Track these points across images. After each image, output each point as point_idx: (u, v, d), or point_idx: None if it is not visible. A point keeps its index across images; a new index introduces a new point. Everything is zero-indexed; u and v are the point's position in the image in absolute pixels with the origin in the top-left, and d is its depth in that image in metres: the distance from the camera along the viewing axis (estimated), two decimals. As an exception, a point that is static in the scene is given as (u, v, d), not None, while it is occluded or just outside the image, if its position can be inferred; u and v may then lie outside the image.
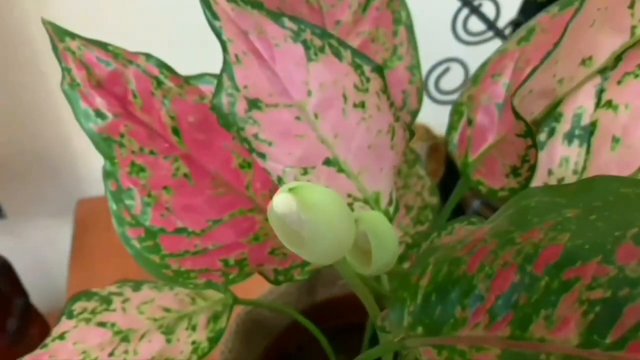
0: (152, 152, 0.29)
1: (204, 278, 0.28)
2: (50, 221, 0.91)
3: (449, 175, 0.70)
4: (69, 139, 0.84)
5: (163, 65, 0.29)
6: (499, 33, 0.57)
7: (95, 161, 0.87)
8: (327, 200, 0.20)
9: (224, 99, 0.26)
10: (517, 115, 0.24)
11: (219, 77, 0.26)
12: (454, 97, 0.67)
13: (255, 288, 0.43)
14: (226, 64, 0.26)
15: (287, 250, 0.31)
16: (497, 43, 0.61)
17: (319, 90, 0.27)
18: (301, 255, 0.22)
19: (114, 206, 0.28)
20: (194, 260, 0.28)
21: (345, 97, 0.27)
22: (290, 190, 0.19)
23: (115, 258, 0.73)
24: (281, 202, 0.19)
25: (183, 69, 0.30)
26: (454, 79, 0.69)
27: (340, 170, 0.28)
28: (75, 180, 0.88)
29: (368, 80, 0.27)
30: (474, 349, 0.20)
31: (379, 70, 0.27)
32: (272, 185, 0.31)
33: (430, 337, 0.22)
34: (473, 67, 0.64)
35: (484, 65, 0.33)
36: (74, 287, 0.68)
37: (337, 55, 0.27)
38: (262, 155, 0.26)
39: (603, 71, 0.27)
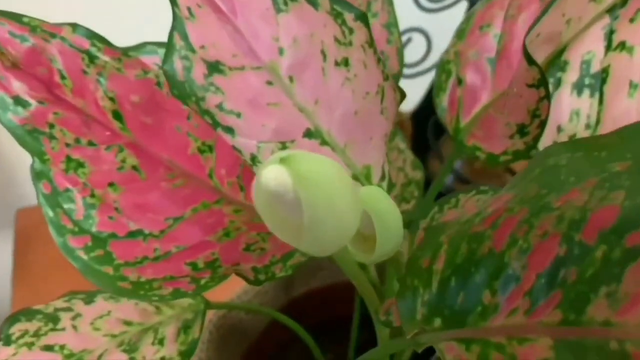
0: (90, 143, 0.24)
1: (170, 287, 0.23)
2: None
3: (417, 153, 0.66)
4: (6, 142, 0.76)
5: (94, 36, 0.24)
6: (464, -7, 0.53)
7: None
8: (329, 172, 0.15)
9: (177, 64, 0.21)
10: (531, 61, 0.20)
11: (169, 37, 0.21)
12: (418, 69, 0.63)
13: (227, 289, 0.38)
14: (177, 20, 0.21)
15: (265, 244, 0.27)
16: (462, 7, 0.57)
17: (292, 47, 0.22)
18: (296, 246, 0.17)
19: (50, 212, 0.23)
20: (155, 268, 0.24)
21: (324, 54, 0.23)
22: (283, 160, 0.14)
23: (64, 271, 0.67)
24: (272, 176, 0.14)
25: (119, 40, 0.24)
26: (416, 50, 0.65)
27: (324, 142, 0.23)
28: (13, 188, 0.81)
29: (351, 31, 0.23)
30: (515, 340, 0.16)
31: (363, 18, 0.23)
32: (241, 170, 0.26)
33: (452, 329, 0.18)
34: (436, 37, 0.61)
35: (469, 18, 0.29)
36: (19, 306, 0.62)
37: (312, 2, 0.22)
38: (230, 130, 0.22)
39: (612, 10, 0.23)
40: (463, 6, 0.57)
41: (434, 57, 0.62)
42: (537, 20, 0.21)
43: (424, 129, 0.59)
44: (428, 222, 0.25)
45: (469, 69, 0.28)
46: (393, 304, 0.23)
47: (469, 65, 0.28)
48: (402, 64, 0.30)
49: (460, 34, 0.29)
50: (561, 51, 0.25)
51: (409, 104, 0.64)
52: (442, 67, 0.29)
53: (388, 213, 0.20)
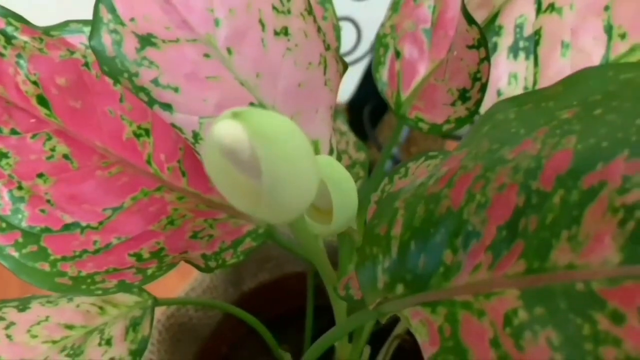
0: (13, 132, 0.22)
1: (115, 279, 0.21)
2: None
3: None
4: None
5: (10, 14, 0.22)
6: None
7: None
8: (287, 129, 0.14)
9: (106, 38, 0.20)
10: (471, 20, 0.20)
11: (94, 10, 0.19)
12: (349, 59, 0.63)
13: (172, 287, 0.37)
14: (101, -7, 0.19)
15: (213, 231, 0.26)
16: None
17: (229, 18, 0.21)
18: (252, 212, 0.16)
19: (-30, 209, 0.21)
20: (96, 261, 0.22)
21: (262, 24, 0.22)
22: (236, 115, 0.13)
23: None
24: (225, 131, 0.13)
25: (38, 20, 0.23)
26: (346, 40, 0.65)
27: None
28: None
29: (287, -1, 0.22)
30: (482, 296, 0.16)
31: (299, -15, 0.22)
32: (182, 154, 0.25)
33: (415, 294, 0.17)
34: (366, 26, 0.61)
35: (402, -11, 0.29)
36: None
37: (244, -29, 0.21)
38: (168, 107, 0.20)
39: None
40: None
41: (365, 46, 0.63)
42: None
43: (360, 118, 0.59)
44: (379, 194, 0.25)
45: (406, 41, 0.28)
46: (352, 278, 0.23)
47: (405, 38, 0.28)
48: (339, 40, 0.29)
49: (395, 6, 0.29)
50: (495, 16, 0.25)
51: (343, 94, 0.64)
52: (380, 41, 0.28)
53: (344, 181, 0.19)
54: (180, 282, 0.38)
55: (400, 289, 0.18)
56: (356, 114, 0.60)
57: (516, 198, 0.15)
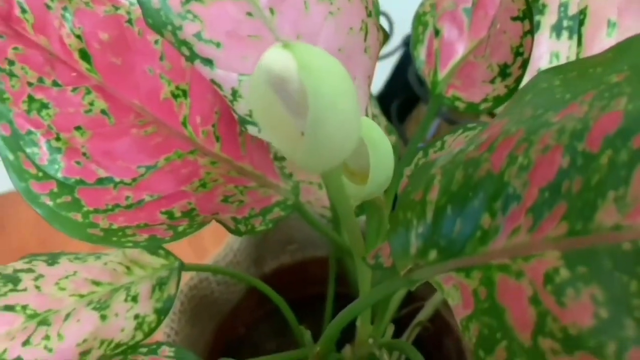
0: (55, 84, 0.22)
1: (145, 234, 0.21)
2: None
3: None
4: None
5: (58, -33, 0.22)
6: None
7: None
8: (336, 67, 0.14)
9: (151, -8, 0.20)
10: None
11: (140, -36, 0.20)
12: (381, 53, 0.62)
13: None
14: (148, -54, 0.20)
15: (243, 197, 0.26)
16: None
17: (272, -22, 0.21)
18: (291, 155, 0.16)
19: (10, 156, 0.22)
20: (127, 215, 0.22)
21: (305, -13, 0.22)
22: (287, 47, 0.13)
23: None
24: (275, 59, 0.13)
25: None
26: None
27: None
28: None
29: (334, -38, 0.22)
30: (520, 259, 0.15)
31: (344, -52, 0.22)
32: (217, 119, 0.25)
33: (449, 259, 0.17)
34: (399, 21, 0.61)
35: (443, -30, 0.29)
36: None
37: None
38: (209, 62, 0.21)
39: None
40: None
41: (396, 41, 0.62)
42: None
43: (388, 113, 0.58)
44: (412, 168, 0.24)
45: (445, 20, 0.28)
46: (381, 248, 0.22)
47: (445, 16, 0.28)
48: (377, 7, 0.29)
49: (437, -16, 0.29)
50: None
51: (373, 88, 0.64)
52: (419, 19, 0.28)
53: (382, 142, 0.19)
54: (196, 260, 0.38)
55: (433, 254, 0.18)
56: (384, 108, 0.60)
57: (560, 159, 0.15)
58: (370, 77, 0.24)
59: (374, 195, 0.20)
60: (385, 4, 0.64)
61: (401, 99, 0.60)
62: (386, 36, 0.24)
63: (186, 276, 0.35)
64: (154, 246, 0.22)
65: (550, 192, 0.15)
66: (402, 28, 0.62)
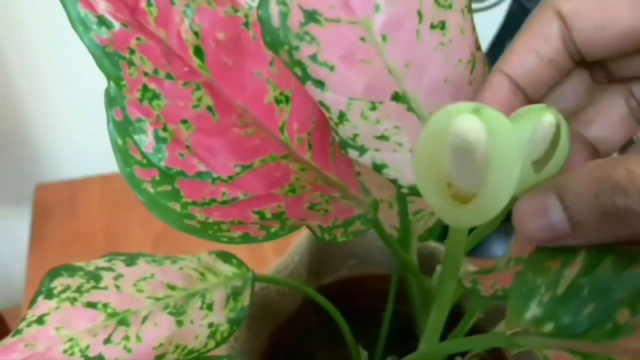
0: (168, 76, 0.23)
1: (239, 231, 0.22)
2: (5, 209, 0.81)
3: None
4: (24, 116, 0.75)
5: (187, -34, 0.23)
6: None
7: (54, 141, 0.79)
8: (513, 134, 0.14)
9: (273, 9, 0.20)
10: None
11: (267, -21, 0.20)
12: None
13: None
14: (278, -38, 0.20)
15: (328, 206, 0.26)
16: (503, 8, 0.56)
17: (389, 4, 0.22)
18: (446, 214, 0.16)
19: (118, 140, 0.22)
20: (222, 211, 0.22)
21: (420, 15, 0.22)
22: (477, 111, 0.13)
23: (79, 248, 0.65)
24: (467, 126, 0.13)
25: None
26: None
27: (410, 109, 0.23)
28: (34, 163, 0.79)
29: (453, -9, 0.22)
30: None
31: (467, -22, 0.22)
32: (312, 127, 0.25)
33: (565, 339, 0.17)
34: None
35: None
36: (34, 282, 0.60)
37: (417, -45, 0.22)
38: (320, 84, 0.21)
39: None
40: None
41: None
42: None
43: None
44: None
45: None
46: (483, 277, 0.22)
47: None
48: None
49: None
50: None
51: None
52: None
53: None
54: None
55: (549, 327, 0.17)
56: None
57: None
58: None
59: (482, 220, 0.20)
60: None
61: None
62: (490, 67, 0.24)
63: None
64: (246, 243, 0.22)
65: None
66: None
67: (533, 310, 0.17)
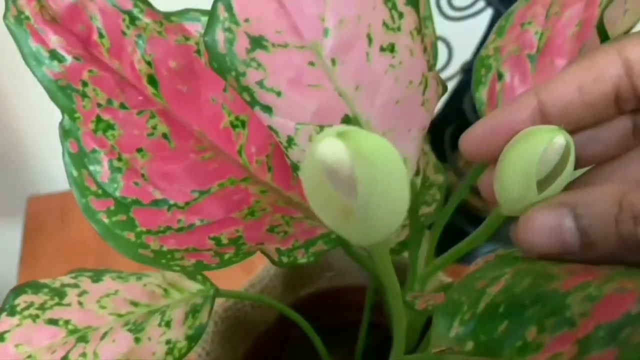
0: (122, 106, 0.23)
1: (193, 259, 0.22)
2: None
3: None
4: (17, 128, 0.76)
5: (137, -3, 0.23)
6: (490, 2, 0.53)
7: (47, 153, 0.79)
8: (386, 152, 0.14)
9: (219, 35, 0.21)
10: (605, 37, 0.20)
11: (212, 8, 0.20)
12: (442, 76, 0.62)
13: (231, 282, 0.37)
14: (222, -10, 0.20)
15: (289, 228, 0.26)
16: (484, 17, 0.57)
17: (338, 28, 0.22)
18: (340, 231, 0.16)
19: (74, 172, 0.23)
20: (177, 238, 0.23)
21: (370, 38, 0.22)
22: (340, 135, 0.14)
23: (70, 259, 0.66)
24: (329, 150, 0.13)
25: (162, 5, 0.24)
26: (439, 58, 0.64)
27: None
28: (26, 175, 0.80)
29: (401, 16, 0.22)
30: None
31: (415, 3, 0.22)
32: (271, 150, 0.26)
33: (483, 356, 0.17)
34: (457, 46, 0.60)
35: (509, 15, 0.29)
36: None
37: (362, -18, 0.22)
38: (268, 109, 0.21)
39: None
40: (486, 16, 0.57)
41: (454, 67, 0.62)
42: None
43: (441, 140, 0.58)
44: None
45: (509, 64, 0.27)
46: (423, 295, 0.22)
47: (509, 61, 0.28)
48: (436, 57, 0.29)
49: (500, 31, 0.28)
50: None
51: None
52: (482, 61, 0.28)
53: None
54: (243, 277, 0.39)
55: (469, 345, 0.17)
56: (437, 134, 0.60)
57: (632, 304, 0.14)
58: (425, 129, 0.24)
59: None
60: (444, 30, 0.64)
61: (455, 125, 0.59)
62: (445, 88, 0.24)
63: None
64: (198, 272, 0.22)
65: (606, 333, 0.14)
66: (460, 55, 0.61)
67: (456, 329, 0.17)
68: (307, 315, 0.35)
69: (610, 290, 0.15)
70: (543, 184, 0.19)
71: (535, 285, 0.16)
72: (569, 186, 0.20)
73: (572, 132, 0.20)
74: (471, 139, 0.21)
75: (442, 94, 0.25)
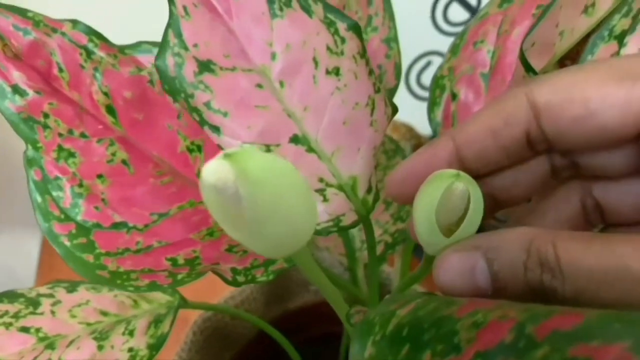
0: (82, 135, 0.25)
1: (147, 279, 0.23)
2: (18, 232, 0.85)
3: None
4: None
5: (92, 33, 0.25)
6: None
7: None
8: (277, 171, 0.15)
9: (169, 60, 0.22)
10: (528, 68, 0.20)
11: (164, 34, 0.22)
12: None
13: (212, 291, 0.38)
14: (172, 18, 0.21)
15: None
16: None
17: (285, 52, 0.23)
18: (245, 244, 0.17)
19: (38, 198, 0.24)
20: (135, 260, 0.24)
21: (316, 62, 0.23)
22: (227, 156, 0.15)
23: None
24: (212, 170, 0.15)
25: (117, 38, 0.25)
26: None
27: (310, 149, 0.24)
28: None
29: (343, 40, 0.23)
30: None
31: (356, 28, 0.23)
32: (227, 172, 0.27)
33: None
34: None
35: (462, 34, 0.29)
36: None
37: (307, 10, 0.23)
38: (216, 129, 0.22)
39: (605, 22, 0.23)
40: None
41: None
42: (532, 27, 0.21)
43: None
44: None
45: (462, 84, 0.28)
46: (361, 311, 0.23)
47: (462, 80, 0.28)
48: (398, 79, 0.30)
49: (454, 49, 0.29)
50: (556, 63, 0.24)
51: (426, 129, 0.64)
52: (436, 82, 0.29)
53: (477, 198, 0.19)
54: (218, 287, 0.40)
55: None
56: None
57: (506, 333, 0.14)
58: (375, 148, 0.24)
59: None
60: (439, 44, 0.64)
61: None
62: (395, 109, 0.25)
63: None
64: (152, 290, 0.23)
65: None
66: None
67: (369, 349, 0.18)
68: (292, 329, 0.36)
69: (494, 317, 0.15)
70: (451, 229, 0.20)
71: (436, 310, 0.17)
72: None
73: (490, 174, 0.21)
74: (393, 181, 0.21)
75: (393, 116, 0.25)
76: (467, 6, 0.58)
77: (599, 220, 0.21)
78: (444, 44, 0.62)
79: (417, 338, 0.16)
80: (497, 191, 0.21)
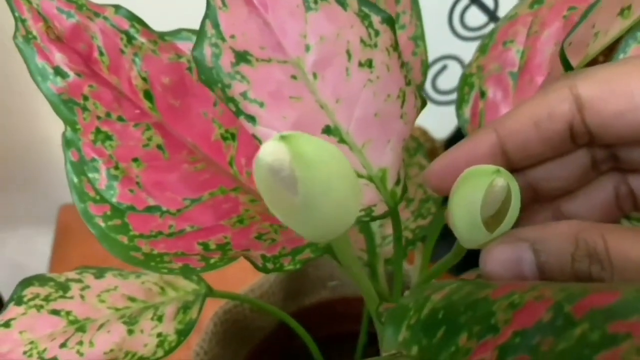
0: (120, 119, 0.25)
1: (180, 262, 0.23)
2: (30, 229, 0.86)
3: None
4: (49, 140, 0.79)
5: (134, 19, 0.25)
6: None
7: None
8: (328, 155, 0.16)
9: (207, 50, 0.22)
10: (568, 66, 0.21)
11: (201, 25, 0.22)
12: (453, 97, 0.63)
13: (233, 285, 0.38)
14: (210, 9, 0.22)
15: (277, 235, 0.27)
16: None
17: (319, 45, 0.23)
18: (293, 227, 0.17)
19: (74, 179, 0.24)
20: (168, 243, 0.24)
21: (349, 54, 0.23)
22: (283, 138, 0.15)
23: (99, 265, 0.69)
24: (270, 151, 0.15)
25: (157, 25, 0.26)
26: (451, 77, 0.65)
27: (342, 141, 0.24)
28: (58, 185, 0.83)
29: (377, 33, 0.24)
30: None
31: (390, 21, 0.23)
32: (259, 160, 0.27)
33: None
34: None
35: (492, 34, 0.30)
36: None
37: (341, 3, 0.23)
38: (252, 119, 0.23)
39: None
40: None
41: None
42: (574, 27, 0.22)
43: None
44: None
45: (491, 82, 0.28)
46: (389, 308, 0.23)
47: (491, 79, 0.28)
48: (425, 76, 0.30)
49: (483, 48, 0.29)
50: (587, 64, 0.25)
51: (444, 132, 0.65)
52: (465, 80, 0.29)
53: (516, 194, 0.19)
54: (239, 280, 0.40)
55: (414, 350, 0.18)
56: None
57: (544, 313, 0.15)
58: (405, 141, 0.25)
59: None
60: (457, 49, 0.65)
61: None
62: (424, 103, 0.25)
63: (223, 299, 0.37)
64: (185, 275, 0.24)
65: (521, 339, 0.15)
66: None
67: (404, 333, 0.18)
68: (308, 325, 0.36)
69: (530, 297, 0.15)
70: (493, 223, 0.20)
71: (470, 293, 0.17)
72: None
73: (531, 166, 0.21)
74: (433, 173, 0.22)
75: (422, 108, 0.26)
76: (486, 10, 0.58)
77: (631, 208, 0.21)
78: (460, 48, 0.62)
79: (453, 321, 0.17)
80: (538, 183, 0.21)
